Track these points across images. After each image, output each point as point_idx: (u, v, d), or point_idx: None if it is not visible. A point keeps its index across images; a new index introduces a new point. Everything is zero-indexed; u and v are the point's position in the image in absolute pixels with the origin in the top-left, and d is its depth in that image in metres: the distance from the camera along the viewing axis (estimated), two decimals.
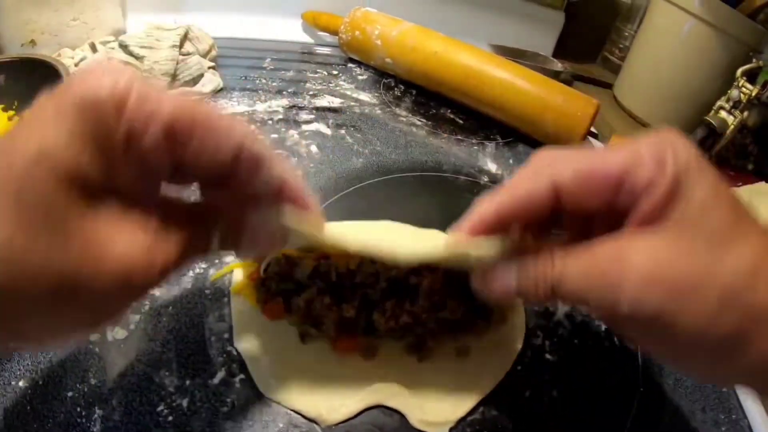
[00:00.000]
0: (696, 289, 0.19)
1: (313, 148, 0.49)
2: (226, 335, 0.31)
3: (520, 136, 0.54)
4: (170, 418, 0.27)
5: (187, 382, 0.29)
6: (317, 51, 0.67)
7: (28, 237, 0.16)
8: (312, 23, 0.68)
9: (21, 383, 0.27)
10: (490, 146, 0.52)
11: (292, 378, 0.29)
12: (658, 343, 0.22)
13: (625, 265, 0.20)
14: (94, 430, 0.26)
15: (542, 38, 0.69)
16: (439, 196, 0.45)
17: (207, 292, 0.35)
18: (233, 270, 0.36)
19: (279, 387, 0.29)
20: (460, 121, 0.55)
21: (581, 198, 0.22)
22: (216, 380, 0.29)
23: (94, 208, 0.18)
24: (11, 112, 0.48)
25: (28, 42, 0.58)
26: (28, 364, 0.28)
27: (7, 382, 0.27)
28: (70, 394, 0.27)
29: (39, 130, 0.17)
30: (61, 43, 0.59)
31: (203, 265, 0.36)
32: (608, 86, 0.71)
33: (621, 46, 0.75)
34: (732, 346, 0.20)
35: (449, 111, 0.56)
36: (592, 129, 0.53)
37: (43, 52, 0.52)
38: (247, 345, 0.31)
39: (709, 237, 0.20)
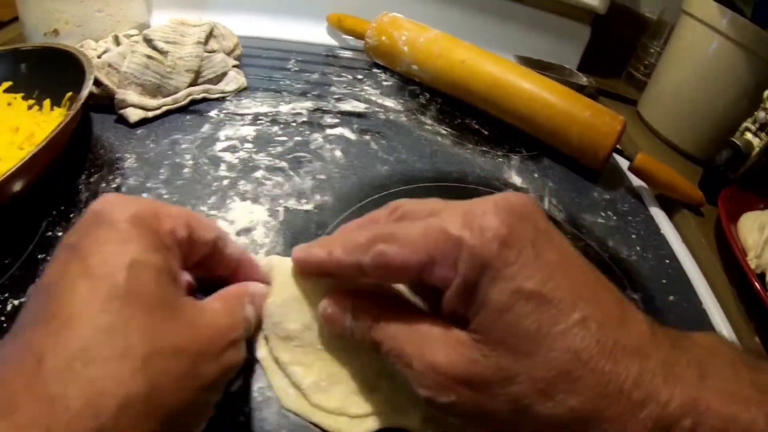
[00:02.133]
0: (490, 393, 0.20)
1: (338, 153, 0.49)
2: (244, 342, 0.30)
3: (545, 149, 0.54)
4: None
5: None
6: (341, 54, 0.67)
7: (156, 323, 0.19)
8: (337, 26, 0.67)
9: None
10: (515, 159, 0.51)
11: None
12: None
13: (426, 359, 0.21)
14: None
15: (568, 51, 0.68)
16: None
17: None
18: None
19: (298, 398, 0.28)
20: (485, 132, 0.54)
21: (386, 280, 0.24)
22: (234, 388, 0.28)
23: (181, 294, 0.22)
24: (31, 101, 0.48)
25: (51, 31, 0.58)
26: None
27: None
28: None
29: (116, 256, 0.19)
30: (85, 35, 0.59)
31: None
32: (632, 103, 0.71)
33: (646, 62, 0.75)
34: None
35: (474, 121, 0.55)
36: (618, 146, 0.52)
37: (66, 42, 0.51)
38: (266, 353, 0.30)
39: (507, 344, 0.19)
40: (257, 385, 0.29)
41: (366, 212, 0.41)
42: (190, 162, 0.46)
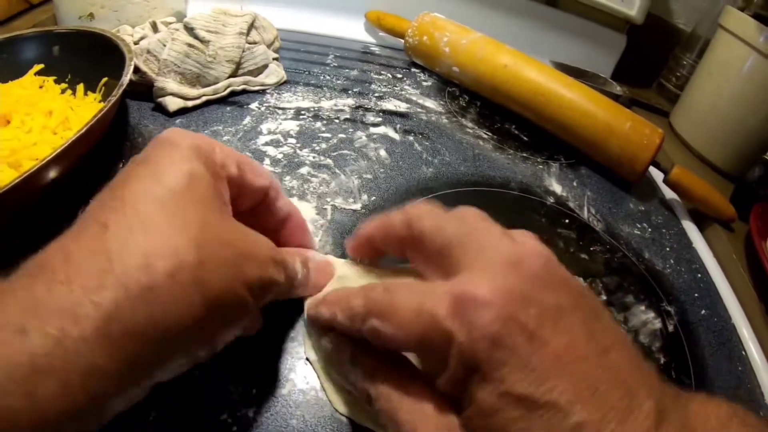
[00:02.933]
0: None
1: (382, 153, 0.49)
2: (296, 343, 0.31)
3: (583, 158, 0.55)
4: (234, 428, 0.26)
5: (254, 391, 0.28)
6: (378, 52, 0.67)
7: (209, 227, 0.21)
8: (376, 23, 0.68)
9: None
10: (555, 167, 0.52)
11: None
12: None
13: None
14: None
15: (602, 59, 0.68)
16: (510, 214, 0.45)
17: None
18: None
19: (351, 403, 0.28)
20: (525, 138, 0.55)
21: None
22: (285, 390, 0.28)
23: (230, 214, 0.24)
24: (64, 85, 0.48)
25: (87, 15, 0.58)
26: None
27: None
28: None
29: (179, 164, 0.22)
30: (121, 20, 0.59)
31: None
32: (664, 114, 0.72)
33: (678, 74, 0.75)
34: None
35: (514, 126, 0.56)
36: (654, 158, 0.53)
37: (101, 26, 0.51)
38: (316, 356, 0.29)
39: None
40: (309, 386, 0.29)
41: None
42: None
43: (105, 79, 0.47)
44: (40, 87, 0.47)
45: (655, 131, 0.52)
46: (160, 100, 0.51)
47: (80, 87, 0.46)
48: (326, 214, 0.42)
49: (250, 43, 0.58)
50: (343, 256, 0.38)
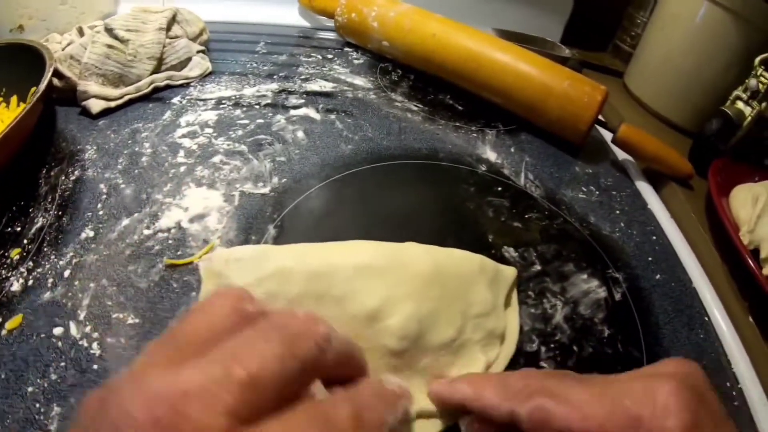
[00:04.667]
0: None
1: (300, 134, 0.46)
2: None
3: (523, 123, 0.51)
4: None
5: None
6: (314, 36, 0.64)
7: None
8: (308, 6, 0.65)
9: None
10: (491, 134, 0.48)
11: None
12: None
13: None
14: (51, 428, 0.24)
15: (550, 24, 0.65)
16: (434, 186, 0.42)
17: (174, 285, 0.33)
18: (193, 263, 0.34)
19: None
20: (460, 108, 0.51)
21: None
22: None
23: None
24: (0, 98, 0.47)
25: (17, 27, 0.57)
26: None
27: None
28: (30, 389, 0.26)
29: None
30: (50, 28, 0.58)
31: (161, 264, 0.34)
32: (619, 75, 0.68)
33: (633, 33, 0.71)
34: None
35: (448, 96, 0.53)
36: (600, 117, 0.49)
37: (31, 37, 0.50)
38: None
39: None
40: None
41: (328, 192, 0.40)
42: (149, 150, 0.44)
43: (33, 89, 0.46)
44: None
45: (596, 88, 0.48)
46: (83, 103, 0.49)
47: (14, 99, 0.46)
48: (233, 200, 0.40)
49: (171, 38, 0.56)
50: (245, 242, 0.36)
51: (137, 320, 0.30)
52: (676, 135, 0.59)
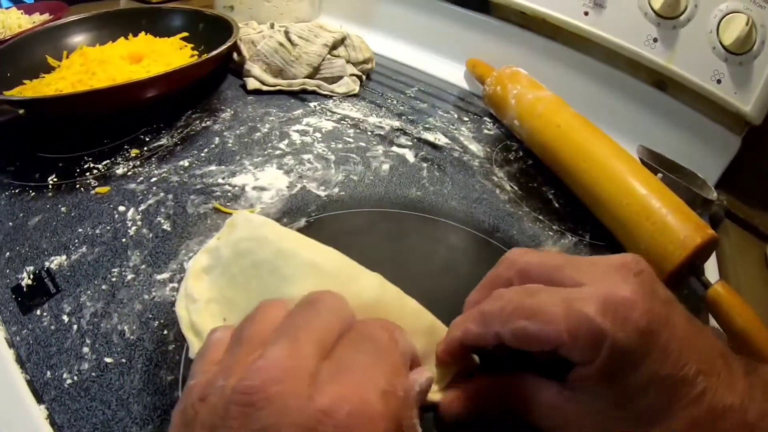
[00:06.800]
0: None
1: (385, 167, 0.49)
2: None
3: (614, 243, 0.45)
4: None
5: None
6: (465, 98, 0.67)
7: None
8: (471, 70, 0.68)
9: None
10: (569, 240, 0.44)
11: None
12: None
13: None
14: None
15: (707, 159, 0.56)
16: (471, 259, 0.40)
17: (208, 222, 0.39)
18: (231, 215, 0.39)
19: None
20: (556, 205, 0.48)
21: (523, 348, 0.24)
22: None
23: None
24: (195, 52, 0.62)
25: (229, 6, 0.76)
26: None
27: None
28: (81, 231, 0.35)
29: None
30: (252, 16, 0.75)
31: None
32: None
33: None
34: None
35: (552, 191, 0.50)
36: (698, 265, 0.41)
37: (236, 18, 0.63)
38: None
39: (638, 416, 0.22)
40: None
41: (365, 217, 0.41)
42: (266, 130, 0.52)
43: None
44: (180, 49, 0.62)
45: (701, 229, 0.40)
46: (245, 79, 0.62)
47: (204, 55, 0.59)
48: (294, 189, 0.45)
49: (334, 56, 0.65)
50: (277, 221, 0.39)
51: (168, 228, 0.38)
52: None
